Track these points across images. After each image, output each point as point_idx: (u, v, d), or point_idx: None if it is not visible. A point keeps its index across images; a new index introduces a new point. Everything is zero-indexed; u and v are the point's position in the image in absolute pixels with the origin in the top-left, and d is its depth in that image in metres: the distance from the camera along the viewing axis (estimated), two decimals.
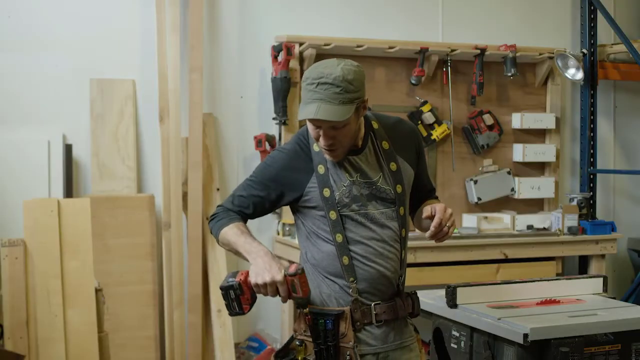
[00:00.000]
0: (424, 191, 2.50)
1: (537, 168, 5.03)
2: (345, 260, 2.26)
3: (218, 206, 2.38)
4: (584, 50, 5.03)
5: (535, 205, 5.00)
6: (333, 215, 2.25)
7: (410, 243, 4.10)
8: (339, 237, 2.25)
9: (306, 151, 2.30)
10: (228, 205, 2.34)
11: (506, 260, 4.58)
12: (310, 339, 2.26)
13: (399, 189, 2.31)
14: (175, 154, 4.14)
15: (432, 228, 2.24)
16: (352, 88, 2.14)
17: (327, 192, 2.25)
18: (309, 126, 2.23)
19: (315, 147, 2.28)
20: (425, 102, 4.65)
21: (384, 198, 2.30)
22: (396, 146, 2.36)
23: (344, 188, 2.26)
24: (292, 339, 2.34)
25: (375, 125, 2.35)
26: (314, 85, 2.14)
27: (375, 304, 2.28)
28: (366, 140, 2.32)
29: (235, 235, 2.25)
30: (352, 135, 2.24)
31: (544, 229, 4.72)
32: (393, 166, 2.32)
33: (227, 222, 2.29)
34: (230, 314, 2.22)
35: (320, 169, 2.27)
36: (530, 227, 4.69)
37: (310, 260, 2.32)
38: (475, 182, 4.77)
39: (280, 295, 2.13)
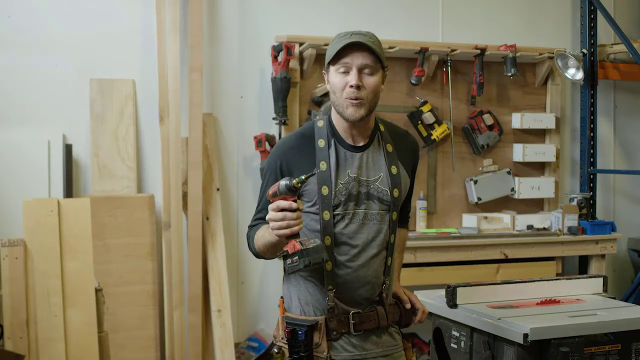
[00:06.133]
0: (405, 210, 2.49)
1: (537, 168, 5.03)
2: (329, 266, 2.23)
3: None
4: (584, 50, 5.03)
5: (535, 205, 5.00)
6: (327, 215, 2.23)
7: (410, 243, 4.18)
8: (328, 240, 2.23)
9: (311, 142, 2.28)
10: (251, 223, 2.35)
11: (506, 260, 4.59)
12: (287, 347, 2.26)
13: (395, 193, 2.30)
14: (175, 154, 4.14)
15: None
16: (380, 45, 2.25)
17: (325, 190, 2.23)
18: (338, 76, 2.22)
19: (320, 143, 2.27)
20: (425, 102, 4.65)
21: (380, 199, 2.28)
22: (398, 153, 2.36)
23: (341, 185, 2.25)
24: (272, 345, 2.34)
25: (382, 128, 2.36)
26: (348, 35, 2.21)
27: (354, 313, 2.26)
28: (373, 138, 2.32)
29: (261, 236, 2.23)
30: (377, 92, 2.24)
31: (544, 229, 4.72)
32: (394, 169, 2.32)
33: (253, 232, 2.29)
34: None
35: (323, 166, 2.25)
36: (530, 227, 4.70)
37: None
38: (475, 182, 4.76)
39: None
